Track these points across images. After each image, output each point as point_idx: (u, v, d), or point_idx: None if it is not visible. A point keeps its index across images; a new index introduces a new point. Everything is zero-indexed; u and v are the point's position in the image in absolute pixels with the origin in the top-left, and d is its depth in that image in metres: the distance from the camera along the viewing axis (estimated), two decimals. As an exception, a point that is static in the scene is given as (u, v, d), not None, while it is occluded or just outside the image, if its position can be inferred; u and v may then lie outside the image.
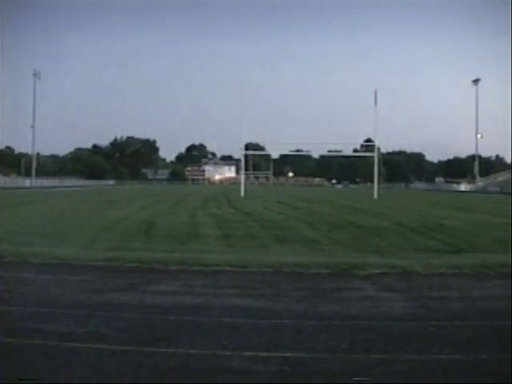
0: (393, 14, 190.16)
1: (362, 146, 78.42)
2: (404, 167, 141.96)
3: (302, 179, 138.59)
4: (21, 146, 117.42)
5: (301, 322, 4.70)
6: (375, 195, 39.31)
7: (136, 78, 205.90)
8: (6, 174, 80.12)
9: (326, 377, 3.47)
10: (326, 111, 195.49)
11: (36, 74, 77.94)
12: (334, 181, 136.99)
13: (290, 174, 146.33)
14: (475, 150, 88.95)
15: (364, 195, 45.07)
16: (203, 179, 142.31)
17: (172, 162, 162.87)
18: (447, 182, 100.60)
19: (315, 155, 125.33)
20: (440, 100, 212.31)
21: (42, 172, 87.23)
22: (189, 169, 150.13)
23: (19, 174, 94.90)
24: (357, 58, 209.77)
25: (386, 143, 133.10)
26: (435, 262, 7.71)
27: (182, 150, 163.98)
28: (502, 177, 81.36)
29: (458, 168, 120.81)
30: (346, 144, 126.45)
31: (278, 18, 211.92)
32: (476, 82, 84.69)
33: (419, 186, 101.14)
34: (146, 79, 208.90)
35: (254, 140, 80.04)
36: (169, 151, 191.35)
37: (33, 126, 78.25)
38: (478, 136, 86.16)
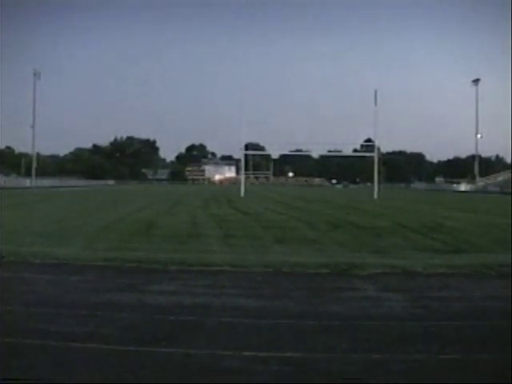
0: (393, 15, 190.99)
1: (361, 146, 78.31)
2: (404, 167, 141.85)
3: (301, 179, 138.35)
4: (21, 146, 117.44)
5: (301, 321, 4.70)
6: (375, 195, 39.30)
7: (136, 77, 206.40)
8: (6, 174, 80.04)
9: (326, 377, 3.47)
10: (326, 111, 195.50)
11: (36, 74, 77.82)
12: (333, 181, 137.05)
13: (290, 174, 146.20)
14: (475, 150, 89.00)
15: (364, 195, 45.06)
16: (203, 179, 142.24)
17: (172, 162, 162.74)
18: (447, 182, 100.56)
19: (315, 155, 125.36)
20: (440, 100, 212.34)
21: (42, 172, 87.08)
22: (189, 169, 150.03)
23: (19, 174, 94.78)
24: (357, 58, 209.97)
25: (386, 143, 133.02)
26: (435, 262, 7.71)
27: (182, 149, 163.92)
28: (502, 177, 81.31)
29: (458, 168, 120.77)
30: (346, 144, 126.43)
31: (278, 18, 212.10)
32: (476, 81, 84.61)
33: (419, 186, 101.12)
34: (146, 79, 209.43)
35: (253, 140, 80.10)
36: (169, 151, 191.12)
37: (33, 126, 78.16)
38: (478, 136, 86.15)
